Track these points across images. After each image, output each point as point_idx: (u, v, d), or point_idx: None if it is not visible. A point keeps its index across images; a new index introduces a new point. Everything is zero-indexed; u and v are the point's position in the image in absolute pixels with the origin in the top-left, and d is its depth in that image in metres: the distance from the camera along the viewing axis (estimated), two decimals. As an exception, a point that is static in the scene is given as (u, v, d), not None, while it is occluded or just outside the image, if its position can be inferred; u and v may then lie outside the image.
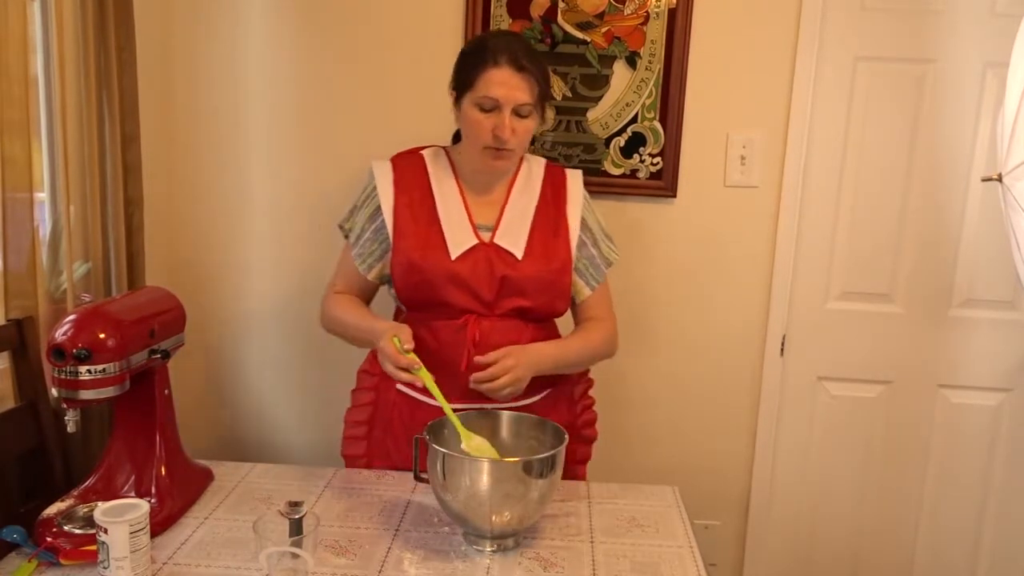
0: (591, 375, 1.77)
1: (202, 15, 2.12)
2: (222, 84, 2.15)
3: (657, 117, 2.10)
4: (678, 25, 2.06)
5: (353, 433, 1.69)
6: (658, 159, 2.13)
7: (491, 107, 1.47)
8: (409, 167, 1.61)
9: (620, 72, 2.09)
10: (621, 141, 2.12)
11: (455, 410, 1.37)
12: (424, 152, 1.64)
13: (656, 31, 2.07)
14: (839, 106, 2.12)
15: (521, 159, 1.63)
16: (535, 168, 1.64)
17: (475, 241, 1.54)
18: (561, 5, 2.06)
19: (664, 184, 2.13)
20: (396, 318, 1.68)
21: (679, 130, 2.11)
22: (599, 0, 2.06)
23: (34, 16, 1.66)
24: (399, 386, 1.60)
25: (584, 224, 1.61)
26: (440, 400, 1.37)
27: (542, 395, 1.59)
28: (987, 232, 2.13)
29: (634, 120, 2.11)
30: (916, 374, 2.23)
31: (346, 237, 1.67)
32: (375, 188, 1.59)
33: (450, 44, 2.11)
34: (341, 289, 1.66)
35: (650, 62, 2.08)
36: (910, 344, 2.22)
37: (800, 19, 2.07)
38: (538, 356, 1.50)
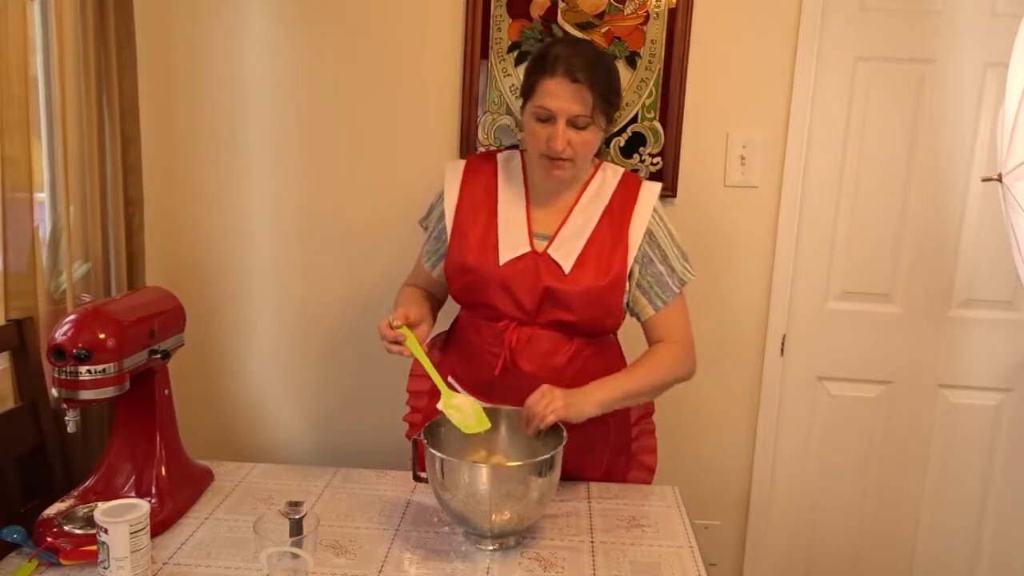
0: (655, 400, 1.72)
1: (202, 15, 2.12)
2: (222, 84, 2.15)
3: (657, 117, 2.10)
4: (678, 25, 2.06)
5: (413, 419, 1.72)
6: (658, 159, 2.13)
7: (546, 117, 1.45)
8: (480, 169, 1.61)
9: (620, 72, 2.08)
10: (621, 141, 2.12)
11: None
12: (499, 155, 1.64)
13: (656, 31, 2.07)
14: (839, 106, 2.12)
15: (597, 167, 1.60)
16: (610, 179, 1.59)
17: (527, 249, 1.52)
18: (561, 5, 2.06)
19: (664, 184, 2.12)
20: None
21: (679, 130, 2.11)
22: (599, 0, 2.06)
23: (34, 16, 1.66)
24: (449, 378, 1.60)
25: (652, 239, 1.55)
26: (425, 363, 1.41)
27: None
28: (987, 232, 2.13)
29: (634, 120, 2.11)
30: (916, 374, 2.23)
31: (424, 230, 1.71)
32: (443, 190, 1.62)
33: (450, 44, 2.11)
34: (411, 282, 1.71)
35: (650, 62, 2.08)
36: (910, 344, 2.22)
37: (800, 19, 2.07)
38: (583, 391, 1.43)
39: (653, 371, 1.55)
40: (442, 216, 1.60)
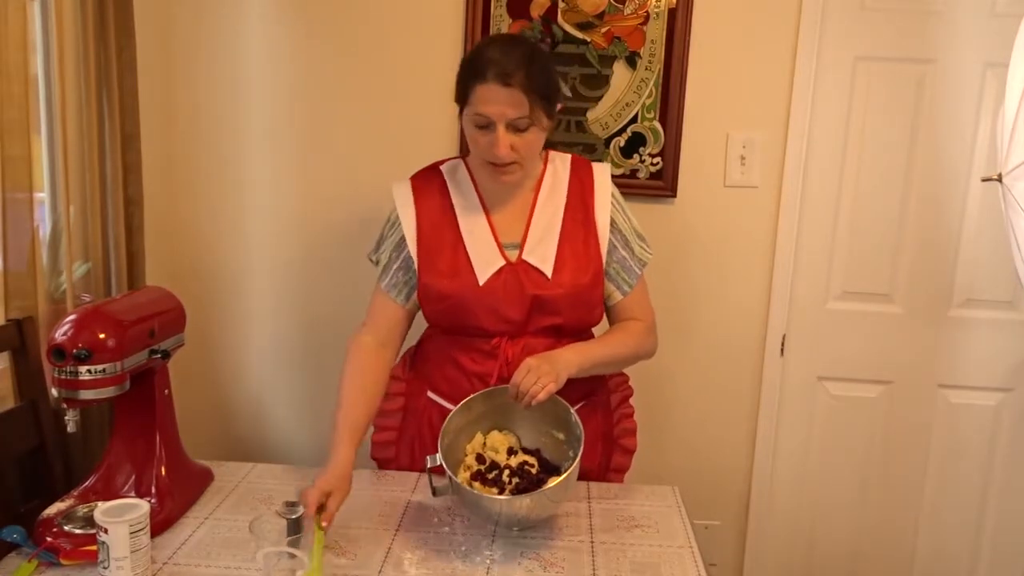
0: (631, 384, 1.73)
1: (202, 15, 2.12)
2: (222, 84, 2.15)
3: (657, 117, 2.10)
4: (678, 25, 2.06)
5: (382, 438, 1.66)
6: (658, 159, 2.13)
7: (485, 124, 1.40)
8: (428, 187, 1.55)
9: (620, 72, 2.09)
10: (621, 141, 2.12)
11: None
12: (443, 167, 1.58)
13: (656, 31, 2.07)
14: (839, 106, 2.12)
15: (545, 159, 1.56)
16: (560, 169, 1.55)
17: (502, 263, 1.48)
18: (561, 5, 2.06)
19: (664, 184, 2.13)
20: (425, 331, 1.65)
21: (679, 130, 2.11)
22: (599, 0, 2.06)
23: (34, 16, 1.66)
24: (429, 393, 1.59)
25: (614, 226, 1.53)
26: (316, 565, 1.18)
27: (579, 406, 1.53)
28: (987, 232, 2.13)
29: (634, 120, 2.11)
30: (916, 374, 2.23)
31: (376, 264, 1.60)
32: (398, 216, 1.54)
33: (450, 44, 2.11)
34: (371, 329, 1.56)
35: (650, 62, 2.08)
36: (910, 344, 2.22)
37: (800, 19, 2.07)
38: (563, 359, 1.41)
39: (623, 343, 1.55)
40: (399, 245, 1.53)
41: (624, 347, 1.56)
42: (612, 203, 1.55)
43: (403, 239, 1.53)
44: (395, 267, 1.55)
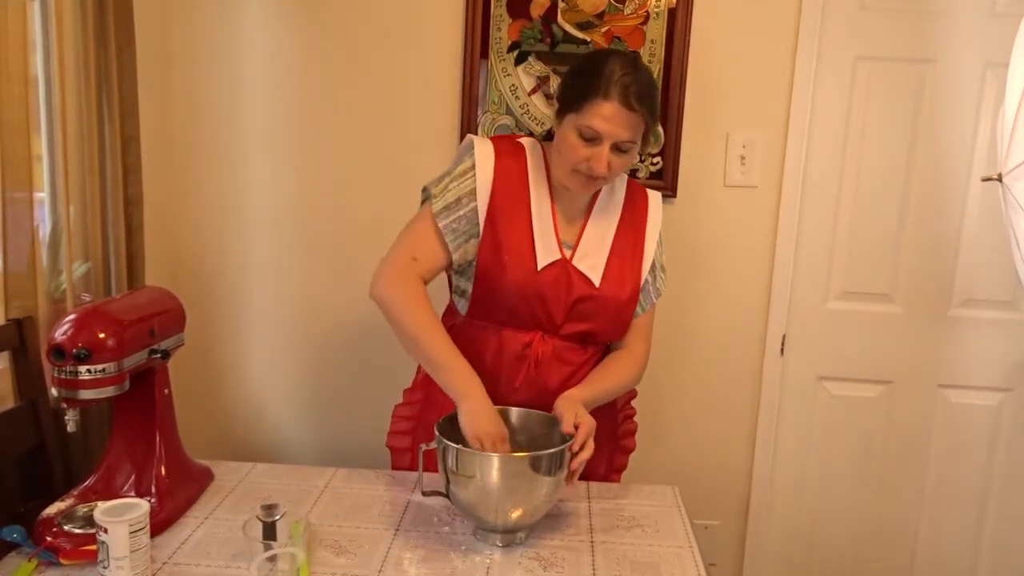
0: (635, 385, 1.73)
1: (202, 16, 2.12)
2: (222, 84, 2.15)
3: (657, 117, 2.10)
4: (678, 25, 2.06)
5: (400, 427, 1.68)
6: (658, 159, 2.13)
7: (591, 137, 1.38)
8: (511, 155, 1.51)
9: (620, 72, 2.09)
10: (621, 141, 2.12)
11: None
12: (523, 142, 1.54)
13: (656, 31, 2.07)
14: (839, 106, 2.12)
15: None
16: (617, 185, 1.57)
17: (558, 255, 1.48)
18: (561, 5, 2.06)
19: (664, 184, 2.13)
20: (446, 318, 1.60)
21: (679, 130, 2.11)
22: (599, 0, 2.06)
23: (34, 16, 1.66)
24: None
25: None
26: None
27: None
28: (987, 232, 2.13)
29: (634, 120, 2.11)
30: (916, 374, 2.23)
31: (425, 201, 1.51)
32: (474, 166, 1.47)
33: (450, 44, 2.11)
34: (418, 267, 1.46)
35: (650, 62, 2.08)
36: (910, 344, 2.22)
37: (800, 19, 2.07)
38: (584, 402, 1.44)
39: (619, 381, 1.56)
40: (472, 195, 1.47)
41: (627, 380, 1.58)
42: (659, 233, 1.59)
43: (475, 191, 1.47)
44: (462, 212, 1.47)
